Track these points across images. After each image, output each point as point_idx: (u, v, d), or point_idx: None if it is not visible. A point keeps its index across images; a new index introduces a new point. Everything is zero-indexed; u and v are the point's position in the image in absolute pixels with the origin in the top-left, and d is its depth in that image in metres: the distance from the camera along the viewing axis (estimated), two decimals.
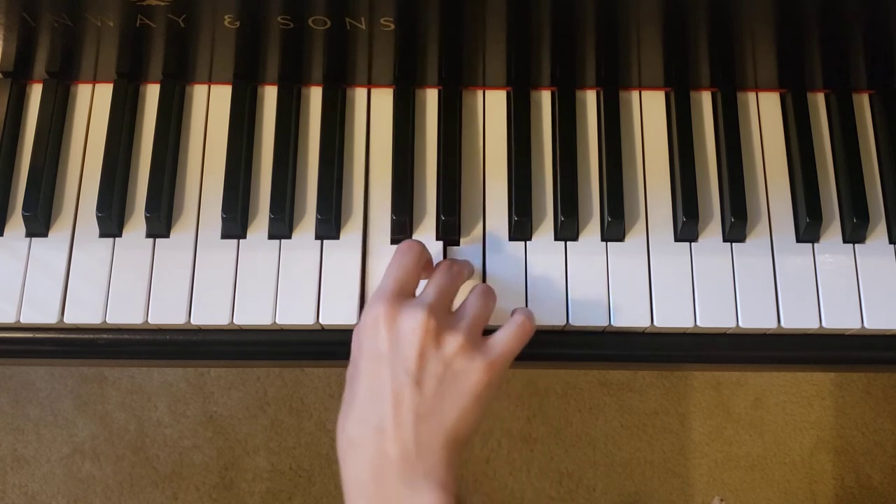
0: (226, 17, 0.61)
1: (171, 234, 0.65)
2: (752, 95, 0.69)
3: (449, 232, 0.65)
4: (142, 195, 0.65)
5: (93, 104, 0.69)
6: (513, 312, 0.59)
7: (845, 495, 1.31)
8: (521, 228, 0.64)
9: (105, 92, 0.68)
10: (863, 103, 0.70)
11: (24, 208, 0.64)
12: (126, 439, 1.33)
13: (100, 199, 0.64)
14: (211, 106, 0.69)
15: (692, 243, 0.65)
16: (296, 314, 0.63)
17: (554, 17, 0.61)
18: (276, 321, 0.63)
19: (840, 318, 0.63)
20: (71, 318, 0.63)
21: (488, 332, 0.57)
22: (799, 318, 0.63)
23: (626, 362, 0.66)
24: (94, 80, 0.69)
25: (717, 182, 0.67)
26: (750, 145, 0.68)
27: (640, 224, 0.66)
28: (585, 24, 0.62)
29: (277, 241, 0.65)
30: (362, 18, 0.61)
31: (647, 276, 0.64)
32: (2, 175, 0.66)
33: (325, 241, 0.65)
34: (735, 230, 0.64)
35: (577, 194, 0.65)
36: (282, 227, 0.64)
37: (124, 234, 0.65)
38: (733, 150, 0.66)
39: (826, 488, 1.32)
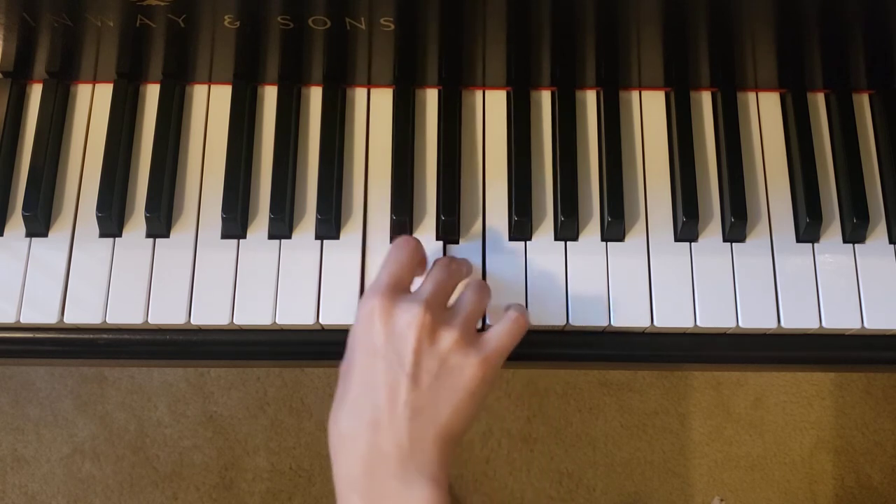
0: (226, 17, 0.61)
1: (171, 234, 0.65)
2: (752, 95, 0.69)
3: (449, 232, 0.65)
4: (142, 195, 0.65)
5: (93, 104, 0.69)
6: (506, 308, 0.59)
7: (845, 495, 1.31)
8: (521, 228, 0.64)
9: (105, 92, 0.68)
10: (863, 103, 0.70)
11: (24, 208, 0.64)
12: (126, 439, 1.33)
13: (100, 199, 0.64)
14: (211, 106, 0.69)
15: (692, 243, 0.65)
16: (296, 314, 0.63)
17: (554, 17, 0.61)
18: (276, 321, 0.63)
19: (840, 318, 0.63)
20: (71, 318, 0.63)
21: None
22: (799, 318, 0.63)
23: (626, 362, 0.66)
24: (94, 80, 0.69)
25: (717, 182, 0.67)
26: (750, 145, 0.68)
27: (640, 224, 0.66)
28: (585, 24, 0.62)
29: (277, 241, 0.65)
30: (362, 18, 0.61)
31: (647, 276, 0.64)
32: (2, 175, 0.66)
33: (325, 241, 0.65)
34: (735, 230, 0.64)
35: (577, 194, 0.65)
36: (282, 227, 0.64)
37: (124, 234, 0.65)
38: (733, 150, 0.66)
39: (826, 488, 1.32)
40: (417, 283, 0.58)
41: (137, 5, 0.59)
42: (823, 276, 0.64)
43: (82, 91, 0.69)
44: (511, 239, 0.65)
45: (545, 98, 0.69)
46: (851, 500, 1.31)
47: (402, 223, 0.64)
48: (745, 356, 0.65)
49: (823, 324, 0.63)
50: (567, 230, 0.65)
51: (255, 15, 0.61)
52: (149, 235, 0.65)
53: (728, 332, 0.64)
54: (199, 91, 0.69)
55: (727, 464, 1.32)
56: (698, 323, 0.63)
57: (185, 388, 1.35)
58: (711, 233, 0.65)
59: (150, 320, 0.63)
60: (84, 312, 0.63)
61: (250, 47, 0.65)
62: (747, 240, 0.65)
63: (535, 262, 0.64)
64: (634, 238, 0.65)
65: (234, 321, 0.63)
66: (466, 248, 0.65)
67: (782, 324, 0.63)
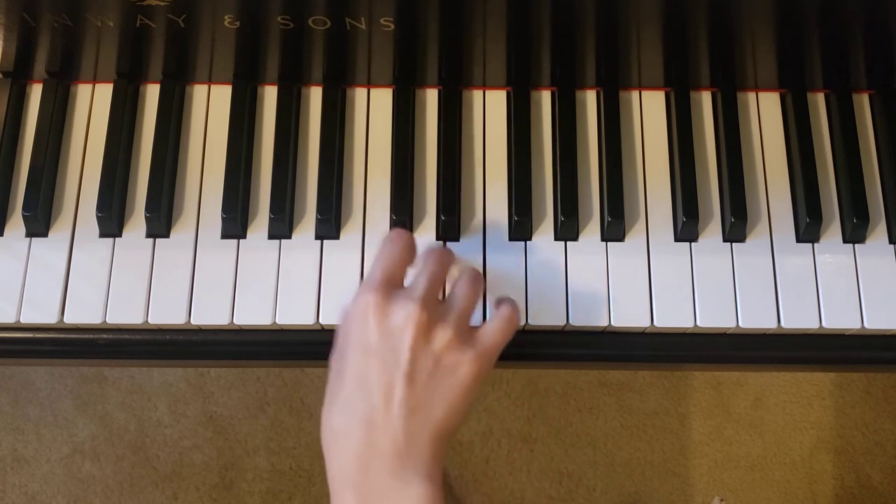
0: (226, 17, 0.61)
1: (171, 234, 0.65)
2: (752, 95, 0.69)
3: (449, 232, 0.65)
4: (142, 195, 0.65)
5: (93, 104, 0.69)
6: (497, 303, 0.59)
7: (845, 495, 1.31)
8: (521, 228, 0.64)
9: (105, 92, 0.68)
10: (863, 103, 0.70)
11: (24, 208, 0.64)
12: (126, 439, 1.33)
13: (100, 199, 0.64)
14: (211, 106, 0.69)
15: (692, 243, 0.65)
16: (296, 314, 0.63)
17: (554, 17, 0.61)
18: (276, 321, 0.63)
19: (840, 318, 0.63)
20: (71, 318, 0.63)
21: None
22: (799, 318, 0.63)
23: (626, 362, 0.66)
24: (94, 80, 0.69)
25: (717, 182, 0.67)
26: (750, 145, 0.68)
27: (640, 224, 0.66)
28: (585, 25, 0.62)
29: (277, 241, 0.65)
30: (362, 18, 0.61)
31: (647, 276, 0.64)
32: (2, 175, 0.66)
33: (325, 241, 0.65)
34: (735, 230, 0.64)
35: (577, 194, 0.65)
36: (282, 227, 0.64)
37: (124, 234, 0.65)
38: (733, 150, 0.66)
39: (826, 488, 1.32)
40: (410, 273, 0.58)
41: (137, 5, 0.59)
42: (823, 276, 0.64)
43: (82, 91, 0.69)
44: (511, 239, 0.65)
45: (545, 98, 0.69)
46: (851, 500, 1.31)
47: (402, 223, 0.64)
48: (745, 356, 0.65)
49: (823, 324, 0.63)
50: (567, 230, 0.65)
51: (255, 15, 0.61)
52: (149, 235, 0.65)
53: (728, 332, 0.64)
54: (199, 91, 0.69)
55: (727, 464, 1.32)
56: (698, 323, 0.63)
57: (185, 388, 1.35)
58: (711, 233, 0.65)
59: (150, 320, 0.63)
60: (84, 312, 0.63)
61: (250, 47, 0.65)
62: (747, 240, 0.65)
63: (534, 262, 0.64)
64: (634, 238, 0.65)
65: (234, 321, 0.63)
66: (466, 248, 0.65)
67: (782, 324, 0.63)
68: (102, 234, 0.65)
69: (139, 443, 1.33)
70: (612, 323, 0.63)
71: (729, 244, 0.65)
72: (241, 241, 0.65)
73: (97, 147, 0.67)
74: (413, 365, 0.52)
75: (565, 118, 0.67)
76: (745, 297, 0.64)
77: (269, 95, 0.69)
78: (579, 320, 0.63)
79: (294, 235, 0.65)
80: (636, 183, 0.67)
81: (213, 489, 1.31)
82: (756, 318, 0.63)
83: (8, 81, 0.68)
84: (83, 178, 0.67)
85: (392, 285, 0.55)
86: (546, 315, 0.63)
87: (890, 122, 0.68)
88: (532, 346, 0.65)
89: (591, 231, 0.65)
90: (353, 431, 0.51)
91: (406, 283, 0.57)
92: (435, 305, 0.54)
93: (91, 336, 0.65)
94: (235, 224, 0.64)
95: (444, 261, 0.58)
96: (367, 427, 0.51)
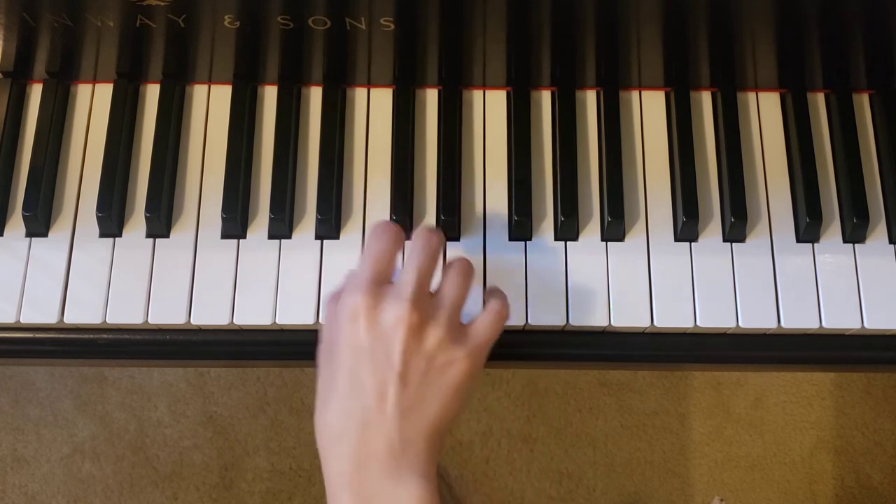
0: (226, 17, 0.61)
1: (171, 234, 0.65)
2: (752, 95, 0.69)
3: (449, 232, 0.65)
4: (142, 195, 0.65)
5: (93, 104, 0.69)
6: (488, 296, 0.58)
7: (845, 495, 1.31)
8: (521, 228, 0.64)
9: (105, 92, 0.68)
10: (863, 103, 0.70)
11: (24, 208, 0.64)
12: (126, 439, 1.33)
13: (100, 199, 0.64)
14: (211, 106, 0.69)
15: (692, 243, 0.65)
16: (296, 314, 0.63)
17: (554, 17, 0.61)
18: (276, 321, 0.63)
19: (840, 318, 0.63)
20: (71, 318, 0.63)
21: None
22: (799, 318, 0.63)
23: (626, 362, 0.66)
24: (94, 80, 0.69)
25: (717, 182, 0.67)
26: (750, 145, 0.68)
27: (640, 224, 0.66)
28: (585, 25, 0.62)
29: (277, 241, 0.65)
30: (362, 18, 0.61)
31: (647, 276, 0.64)
32: (2, 175, 0.66)
33: (325, 241, 0.65)
34: (735, 230, 0.64)
35: (577, 194, 0.65)
36: (282, 227, 0.64)
37: (124, 234, 0.65)
38: (733, 150, 0.66)
39: (826, 488, 1.32)
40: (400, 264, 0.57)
41: (137, 5, 0.59)
42: (823, 276, 0.64)
43: (82, 91, 0.69)
44: (511, 239, 0.65)
45: (545, 98, 0.69)
46: (851, 500, 1.31)
47: (402, 223, 0.64)
48: (745, 356, 0.65)
49: (823, 324, 0.63)
50: (567, 230, 0.65)
51: (255, 15, 0.61)
52: (149, 235, 0.65)
53: (728, 332, 0.64)
54: (199, 91, 0.69)
55: (727, 464, 1.32)
56: (698, 323, 0.63)
57: (185, 388, 1.35)
58: (711, 233, 0.65)
59: (150, 320, 0.63)
60: (84, 312, 0.63)
61: (250, 47, 0.65)
62: (747, 240, 0.65)
63: (534, 262, 0.64)
64: (634, 238, 0.65)
65: (234, 321, 0.63)
66: (467, 248, 0.65)
67: (782, 324, 0.63)
68: (102, 234, 0.65)
69: (139, 443, 1.33)
70: (612, 323, 0.63)
71: (729, 244, 0.65)
72: (241, 241, 0.65)
73: (97, 147, 0.67)
74: (405, 366, 0.52)
75: (565, 118, 0.67)
76: (745, 297, 0.64)
77: (269, 95, 0.69)
78: (579, 320, 0.63)
79: (294, 235, 0.65)
80: (636, 183, 0.67)
81: (213, 489, 1.31)
82: (756, 318, 0.63)
83: (8, 81, 0.68)
84: (83, 178, 0.67)
85: (381, 282, 0.54)
86: (546, 315, 0.63)
87: (890, 122, 0.68)
88: (532, 346, 0.65)
89: (591, 231, 0.65)
90: (349, 433, 0.52)
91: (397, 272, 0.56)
92: (425, 303, 0.54)
93: (91, 336, 0.65)
94: (235, 224, 0.64)
95: (433, 249, 0.56)
96: (362, 429, 0.51)
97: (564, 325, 0.63)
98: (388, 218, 0.65)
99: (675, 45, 0.64)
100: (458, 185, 0.66)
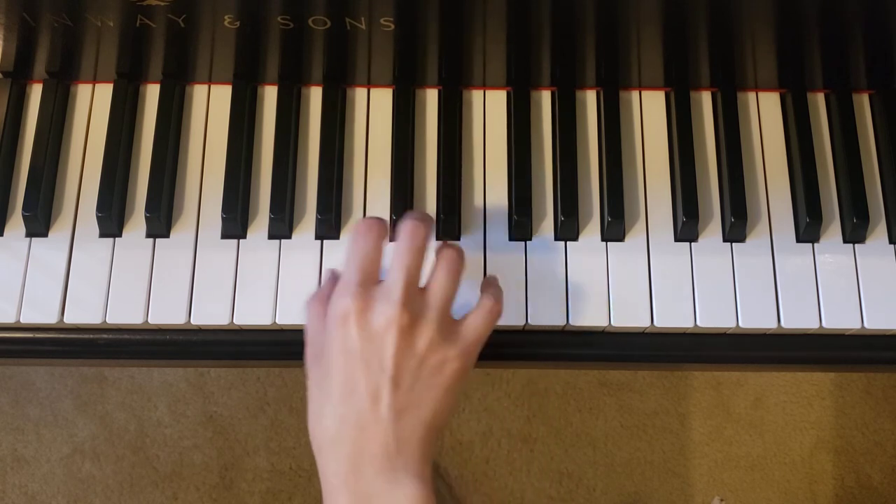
0: (226, 17, 0.61)
1: (171, 234, 0.65)
2: (752, 95, 0.69)
3: (449, 232, 0.65)
4: (142, 195, 0.65)
5: (93, 104, 0.69)
6: (482, 289, 0.58)
7: (845, 495, 1.31)
8: (521, 228, 0.64)
9: (105, 92, 0.68)
10: (863, 103, 0.70)
11: (24, 208, 0.64)
12: (126, 439, 1.33)
13: (100, 199, 0.64)
14: (211, 106, 0.69)
15: (692, 243, 0.65)
16: (296, 314, 0.63)
17: (554, 17, 0.61)
18: (276, 321, 0.63)
19: (840, 318, 0.63)
20: (71, 318, 0.63)
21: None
22: (799, 318, 0.63)
23: (626, 362, 0.66)
24: (94, 80, 0.69)
25: (717, 182, 0.67)
26: (750, 145, 0.68)
27: (640, 224, 0.66)
28: (585, 24, 0.62)
29: (277, 241, 0.65)
30: (362, 18, 0.61)
31: (647, 276, 0.64)
32: (2, 175, 0.66)
33: (325, 241, 0.65)
34: (735, 230, 0.64)
35: (577, 194, 0.65)
36: (282, 227, 0.64)
37: (124, 234, 0.65)
38: (733, 150, 0.66)
39: (826, 488, 1.32)
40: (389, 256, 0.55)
41: (137, 5, 0.59)
42: (823, 276, 0.64)
43: (82, 91, 0.69)
44: (511, 239, 0.65)
45: (545, 98, 0.69)
46: (851, 500, 1.31)
47: None
48: (745, 356, 0.65)
49: (823, 324, 0.63)
50: (567, 230, 0.65)
51: (255, 15, 0.61)
52: (149, 235, 0.65)
53: (728, 332, 0.64)
54: (199, 91, 0.69)
55: (727, 464, 1.32)
56: (698, 323, 0.63)
57: (185, 388, 1.35)
58: (711, 233, 0.65)
59: (150, 320, 0.63)
60: (84, 312, 0.63)
61: (250, 47, 0.65)
62: (747, 240, 0.65)
63: (535, 262, 0.64)
64: (634, 238, 0.65)
65: (234, 321, 0.63)
66: (467, 248, 0.65)
67: (782, 324, 0.63)
68: (102, 234, 0.65)
69: (139, 443, 1.33)
70: (612, 323, 0.63)
71: (729, 244, 0.65)
72: (241, 241, 0.65)
73: (97, 147, 0.67)
74: (397, 369, 0.52)
75: (565, 118, 0.67)
76: (745, 297, 0.64)
77: (269, 95, 0.69)
78: (579, 320, 0.63)
79: (294, 235, 0.65)
80: (636, 183, 0.67)
81: (213, 489, 1.31)
82: (756, 318, 0.63)
83: (8, 81, 0.68)
84: (83, 178, 0.67)
85: (369, 283, 0.53)
86: (546, 315, 0.63)
87: (890, 122, 0.68)
88: (532, 346, 0.65)
89: (591, 231, 0.65)
90: (344, 436, 0.52)
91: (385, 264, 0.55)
92: (415, 302, 0.53)
93: (91, 336, 0.65)
94: (235, 224, 0.64)
95: (419, 243, 0.55)
96: (357, 432, 0.52)
97: (564, 325, 0.63)
98: (388, 218, 0.65)
99: (675, 45, 0.64)
100: (458, 185, 0.66)
